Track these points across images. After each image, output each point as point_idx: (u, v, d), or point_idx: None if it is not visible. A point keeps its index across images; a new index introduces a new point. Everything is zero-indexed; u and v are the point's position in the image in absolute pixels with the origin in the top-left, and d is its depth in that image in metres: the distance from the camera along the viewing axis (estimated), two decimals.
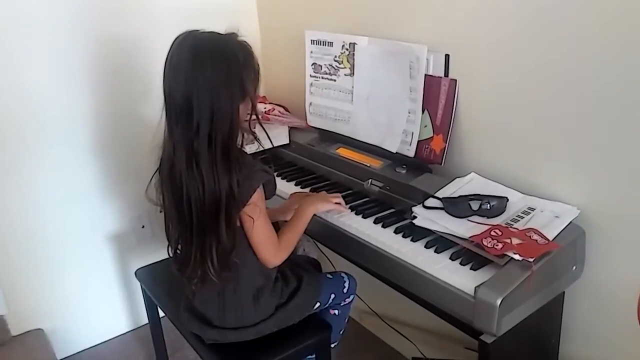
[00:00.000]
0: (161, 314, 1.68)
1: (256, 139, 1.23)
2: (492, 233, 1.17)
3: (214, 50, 1.14)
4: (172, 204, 1.22)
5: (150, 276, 1.66)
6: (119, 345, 2.10)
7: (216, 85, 1.12)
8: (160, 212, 1.29)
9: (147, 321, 1.80)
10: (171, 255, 1.31)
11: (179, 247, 1.28)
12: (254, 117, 1.22)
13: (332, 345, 1.53)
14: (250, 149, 1.24)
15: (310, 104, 1.81)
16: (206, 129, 1.12)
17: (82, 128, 1.85)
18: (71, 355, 2.04)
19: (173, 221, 1.25)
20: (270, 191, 1.25)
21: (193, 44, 1.14)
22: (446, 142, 1.44)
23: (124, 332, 2.16)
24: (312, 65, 1.76)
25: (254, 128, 1.23)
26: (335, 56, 1.68)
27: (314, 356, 1.44)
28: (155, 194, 1.28)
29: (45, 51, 1.72)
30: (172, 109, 1.15)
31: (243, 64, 1.17)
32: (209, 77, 1.11)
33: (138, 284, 1.69)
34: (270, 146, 1.31)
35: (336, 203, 1.42)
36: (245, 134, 1.20)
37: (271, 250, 1.27)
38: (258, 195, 1.20)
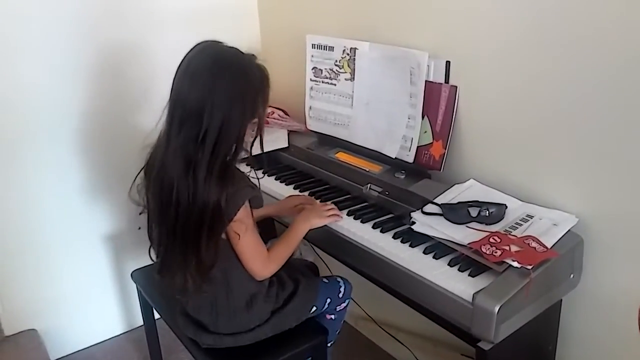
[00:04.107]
0: (156, 315, 1.67)
1: (250, 154, 1.23)
2: (491, 240, 1.17)
3: (236, 66, 1.16)
4: (157, 207, 1.21)
5: (146, 278, 1.65)
6: (113, 347, 2.09)
7: (232, 98, 1.13)
8: (140, 214, 1.28)
9: (142, 323, 1.79)
10: (154, 259, 1.30)
11: (160, 249, 1.27)
12: (258, 136, 1.22)
13: (329, 344, 1.53)
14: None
15: (310, 108, 1.81)
16: (212, 139, 1.12)
17: (80, 129, 1.85)
18: (64, 356, 2.02)
19: (156, 225, 1.25)
20: (257, 204, 1.25)
21: (216, 55, 1.16)
22: (445, 149, 1.44)
23: (119, 333, 2.14)
24: (312, 69, 1.76)
25: (252, 147, 1.23)
26: (336, 61, 1.68)
27: None
28: (139, 195, 1.27)
29: (44, 52, 1.72)
30: (178, 112, 1.14)
31: (259, 85, 1.19)
32: (227, 89, 1.12)
33: (134, 285, 1.69)
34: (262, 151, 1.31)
35: (330, 215, 1.40)
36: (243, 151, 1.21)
37: (258, 263, 1.26)
38: (244, 212, 1.19)
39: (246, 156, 1.23)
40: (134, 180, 1.27)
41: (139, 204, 1.29)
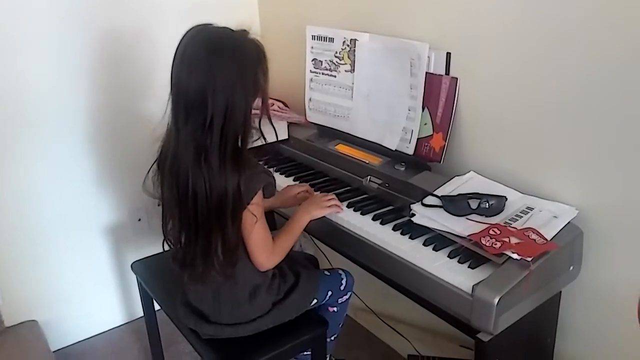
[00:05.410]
0: (156, 307, 1.68)
1: (262, 135, 1.23)
2: (491, 232, 1.17)
3: (230, 46, 1.13)
4: (174, 200, 1.21)
5: (146, 269, 1.66)
6: (113, 338, 2.10)
7: (232, 81, 1.11)
8: (158, 205, 1.28)
9: (142, 314, 1.79)
10: (165, 249, 1.30)
11: (180, 244, 1.27)
12: (264, 113, 1.22)
13: (333, 338, 1.55)
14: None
15: (310, 99, 1.80)
16: (219, 124, 1.11)
17: (81, 120, 1.84)
18: (65, 347, 2.03)
19: (174, 218, 1.24)
20: (269, 193, 1.26)
21: (208, 39, 1.13)
22: (446, 140, 1.44)
23: (119, 324, 2.15)
24: (312, 60, 1.76)
25: (261, 124, 1.23)
26: (336, 52, 1.68)
27: (309, 352, 1.44)
28: (153, 187, 1.27)
29: (44, 42, 1.71)
30: (182, 102, 1.13)
31: (257, 61, 1.17)
32: (226, 73, 1.11)
33: (134, 276, 1.69)
34: (272, 140, 1.30)
35: (331, 205, 1.40)
36: (253, 131, 1.20)
37: (265, 253, 1.27)
38: (260, 197, 1.21)
39: (257, 138, 1.22)
40: (148, 173, 1.26)
41: (153, 196, 1.28)
